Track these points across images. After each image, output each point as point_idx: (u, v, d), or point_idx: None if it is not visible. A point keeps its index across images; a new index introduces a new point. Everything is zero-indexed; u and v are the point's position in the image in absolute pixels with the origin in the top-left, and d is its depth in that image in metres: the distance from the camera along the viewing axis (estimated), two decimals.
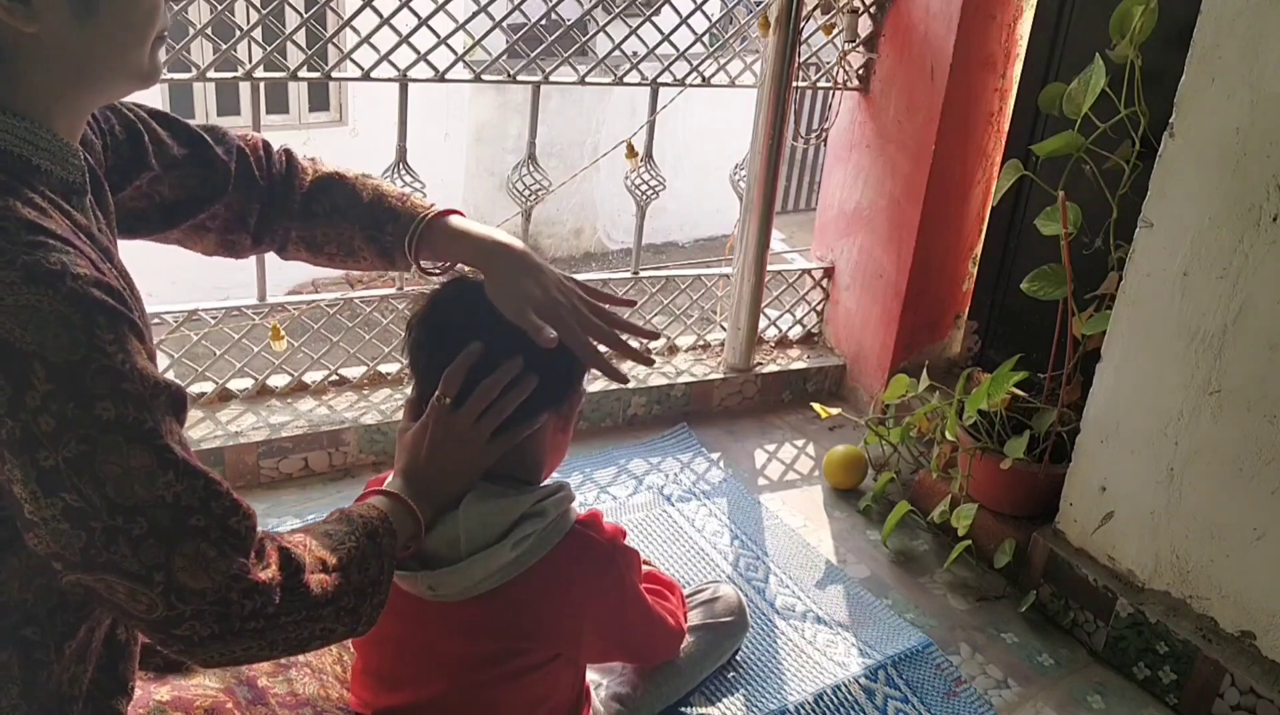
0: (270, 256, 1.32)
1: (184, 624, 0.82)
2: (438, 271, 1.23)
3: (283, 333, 2.08)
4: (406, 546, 1.08)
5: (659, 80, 2.28)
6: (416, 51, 2.00)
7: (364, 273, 6.92)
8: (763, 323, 2.60)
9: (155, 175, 1.07)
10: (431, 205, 1.22)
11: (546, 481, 1.22)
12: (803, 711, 1.55)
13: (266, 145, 1.21)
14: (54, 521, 0.77)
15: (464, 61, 2.06)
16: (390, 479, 1.14)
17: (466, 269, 1.21)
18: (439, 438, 1.12)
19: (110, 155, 1.01)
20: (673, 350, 2.58)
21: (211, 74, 1.89)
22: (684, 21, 2.25)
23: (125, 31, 0.86)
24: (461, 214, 1.23)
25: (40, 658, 0.86)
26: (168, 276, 6.47)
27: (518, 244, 1.17)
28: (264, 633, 0.86)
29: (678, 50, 2.25)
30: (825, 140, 2.62)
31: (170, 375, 2.03)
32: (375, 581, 0.98)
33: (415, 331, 1.17)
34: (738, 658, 1.63)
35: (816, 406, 2.31)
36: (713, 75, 2.30)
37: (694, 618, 1.57)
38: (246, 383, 2.13)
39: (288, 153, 1.22)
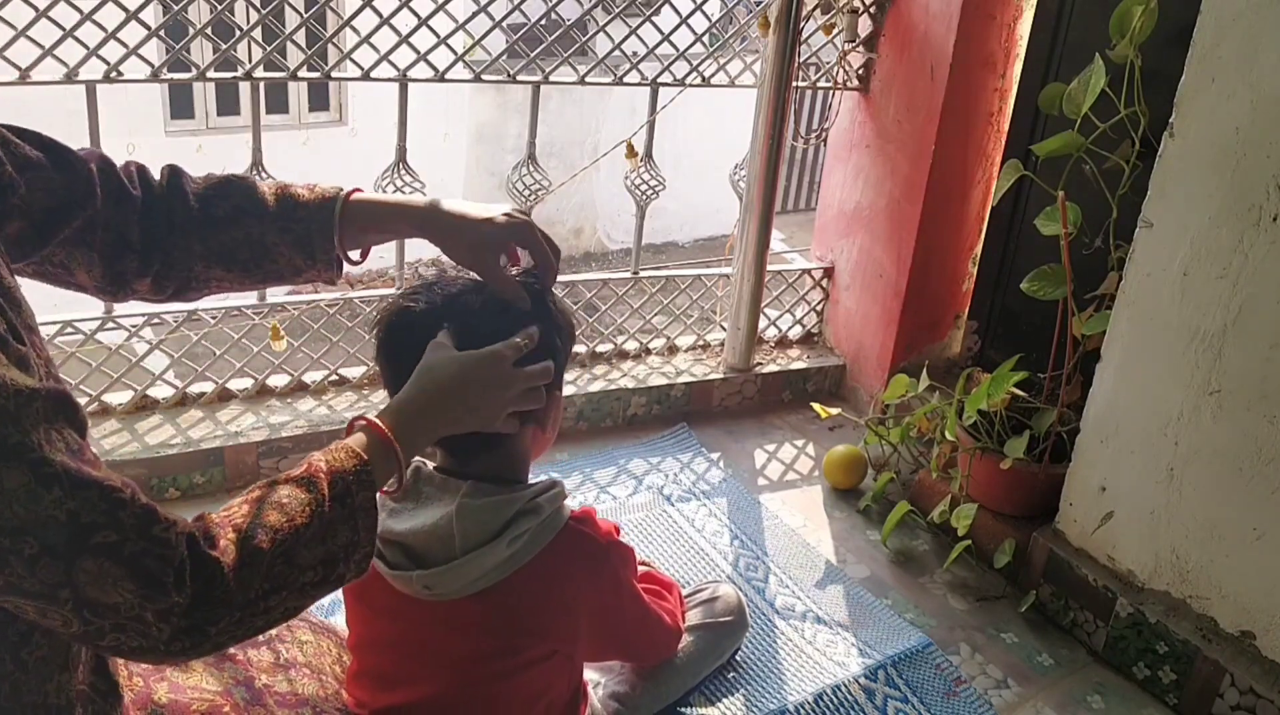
0: None
1: (107, 636, 0.78)
2: (359, 261, 1.17)
3: (282, 333, 2.08)
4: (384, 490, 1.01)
5: (659, 80, 2.28)
6: (416, 51, 2.00)
7: (348, 276, 6.88)
8: (763, 323, 2.60)
9: (15, 187, 0.95)
10: (340, 188, 1.16)
11: (538, 479, 1.22)
12: (802, 711, 1.55)
13: (140, 166, 1.10)
14: None
15: (464, 61, 2.06)
16: (394, 401, 1.04)
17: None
18: (484, 373, 1.06)
19: None
20: (673, 350, 2.58)
21: (211, 74, 1.89)
22: (684, 21, 2.25)
23: None
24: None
25: None
26: None
27: (451, 201, 1.16)
28: (201, 644, 0.82)
29: (677, 50, 2.25)
30: (825, 140, 2.62)
31: (170, 376, 2.05)
32: (350, 544, 0.92)
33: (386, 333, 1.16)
34: (737, 658, 1.63)
35: (816, 406, 2.31)
36: (713, 75, 2.30)
37: (693, 617, 1.57)
38: (246, 383, 2.13)
39: (172, 167, 1.12)
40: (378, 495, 0.97)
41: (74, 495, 0.75)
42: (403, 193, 2.09)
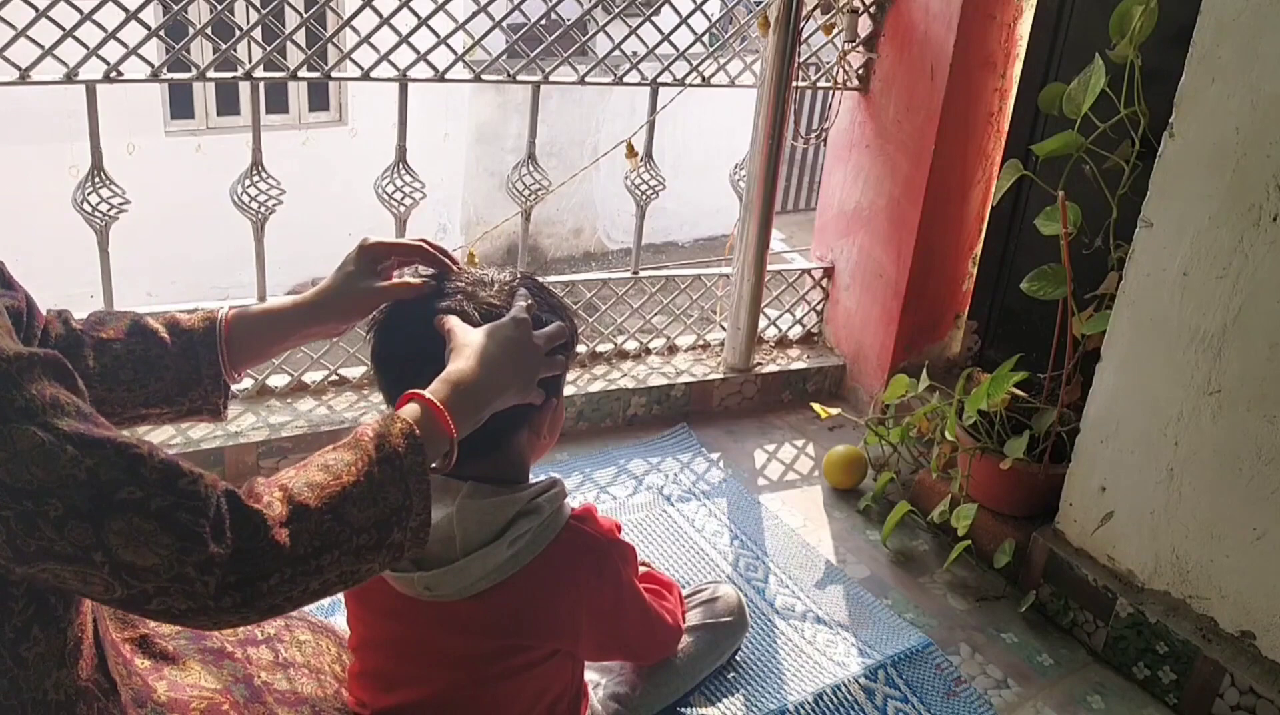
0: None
1: (153, 600, 0.77)
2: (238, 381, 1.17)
3: None
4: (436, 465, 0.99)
5: (659, 80, 2.28)
6: (416, 51, 2.00)
7: None
8: (762, 323, 2.60)
9: None
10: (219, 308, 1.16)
11: (538, 479, 1.22)
12: (802, 711, 1.55)
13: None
14: None
15: (464, 61, 2.06)
16: (440, 378, 1.02)
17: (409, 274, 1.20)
18: (517, 335, 1.07)
19: None
20: (673, 350, 2.58)
21: (211, 74, 1.89)
22: (684, 21, 2.25)
23: None
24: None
25: None
26: (168, 276, 6.48)
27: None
28: (253, 600, 0.81)
29: (677, 50, 2.25)
30: (825, 140, 2.62)
31: None
32: (400, 508, 0.90)
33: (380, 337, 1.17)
34: (737, 658, 1.63)
35: (816, 406, 2.31)
36: (712, 75, 2.30)
37: (693, 617, 1.57)
38: (246, 382, 2.13)
39: (59, 309, 1.10)
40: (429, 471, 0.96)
41: (90, 453, 0.75)
42: (402, 192, 2.09)
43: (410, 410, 0.97)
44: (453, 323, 1.08)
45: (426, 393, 0.99)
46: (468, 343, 1.06)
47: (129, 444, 0.78)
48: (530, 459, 1.23)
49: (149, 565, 0.76)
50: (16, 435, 0.73)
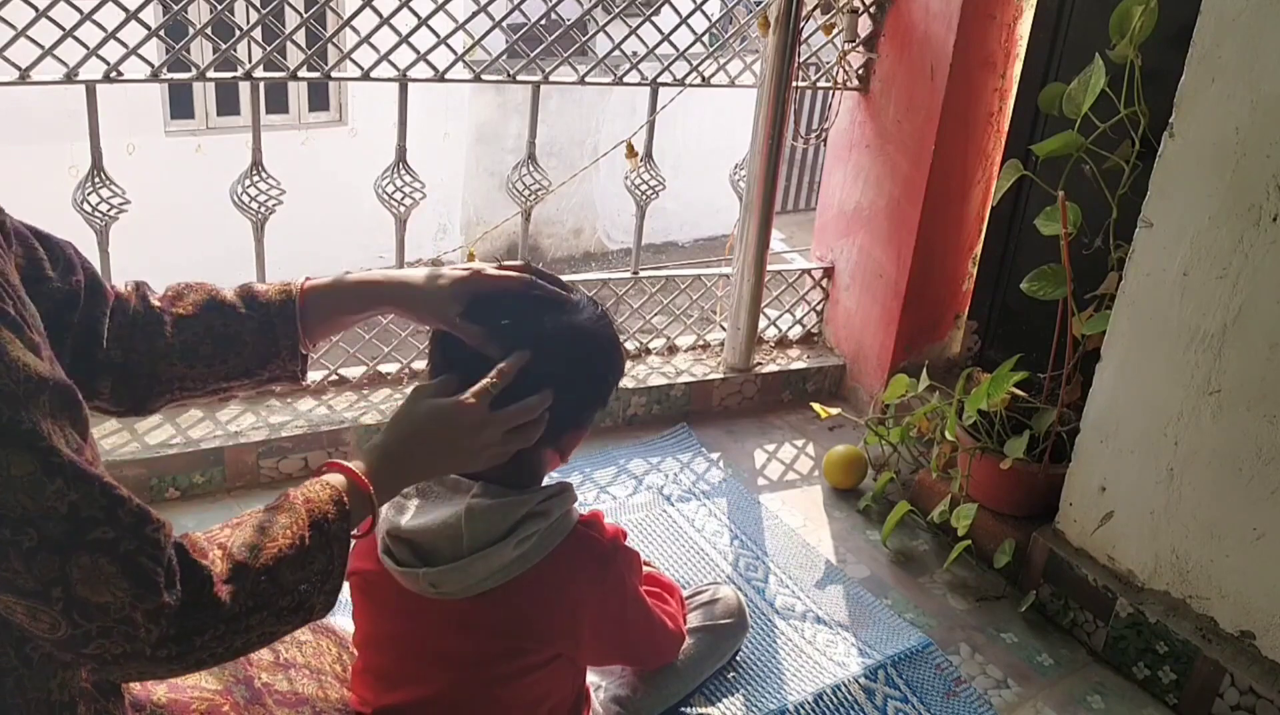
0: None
1: (91, 643, 0.77)
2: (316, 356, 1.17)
3: None
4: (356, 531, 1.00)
5: (659, 80, 2.28)
6: (416, 51, 2.00)
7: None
8: (762, 323, 2.60)
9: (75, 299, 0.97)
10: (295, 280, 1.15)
11: (547, 482, 1.23)
12: (802, 711, 1.55)
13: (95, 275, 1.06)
14: None
15: (464, 61, 2.06)
16: (368, 449, 1.05)
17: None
18: (452, 422, 1.06)
19: None
20: (672, 350, 2.58)
21: (211, 74, 1.89)
22: (684, 21, 2.25)
23: None
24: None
25: (2, 666, 0.84)
26: (167, 276, 6.48)
27: (400, 271, 1.16)
28: (180, 658, 0.82)
29: (677, 50, 2.25)
30: (825, 140, 2.62)
31: None
32: (323, 572, 0.92)
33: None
34: (738, 658, 1.63)
35: (816, 406, 2.31)
36: (712, 75, 2.30)
37: (693, 619, 1.57)
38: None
39: (136, 281, 1.11)
40: (352, 533, 0.97)
41: (76, 487, 0.75)
42: (402, 192, 2.10)
43: (338, 480, 0.98)
44: (420, 387, 1.09)
45: (350, 465, 1.00)
46: (403, 417, 1.06)
47: (113, 485, 0.78)
48: (545, 470, 1.23)
49: (101, 603, 0.76)
50: (13, 460, 0.73)
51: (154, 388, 1.08)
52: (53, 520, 0.74)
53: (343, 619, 1.44)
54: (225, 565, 0.85)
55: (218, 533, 0.90)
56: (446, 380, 1.10)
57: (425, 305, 1.14)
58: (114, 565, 0.77)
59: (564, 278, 1.27)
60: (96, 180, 1.85)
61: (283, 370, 1.13)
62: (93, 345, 1.02)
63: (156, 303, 1.09)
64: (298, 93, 7.09)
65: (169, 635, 0.80)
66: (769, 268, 2.46)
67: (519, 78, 2.18)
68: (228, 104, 6.85)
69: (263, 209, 2.00)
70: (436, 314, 1.14)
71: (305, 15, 1.94)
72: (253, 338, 1.10)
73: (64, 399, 0.78)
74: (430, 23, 1.96)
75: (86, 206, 1.85)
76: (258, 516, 0.92)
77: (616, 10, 2.32)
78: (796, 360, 2.63)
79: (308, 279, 1.15)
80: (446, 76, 2.07)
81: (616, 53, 2.22)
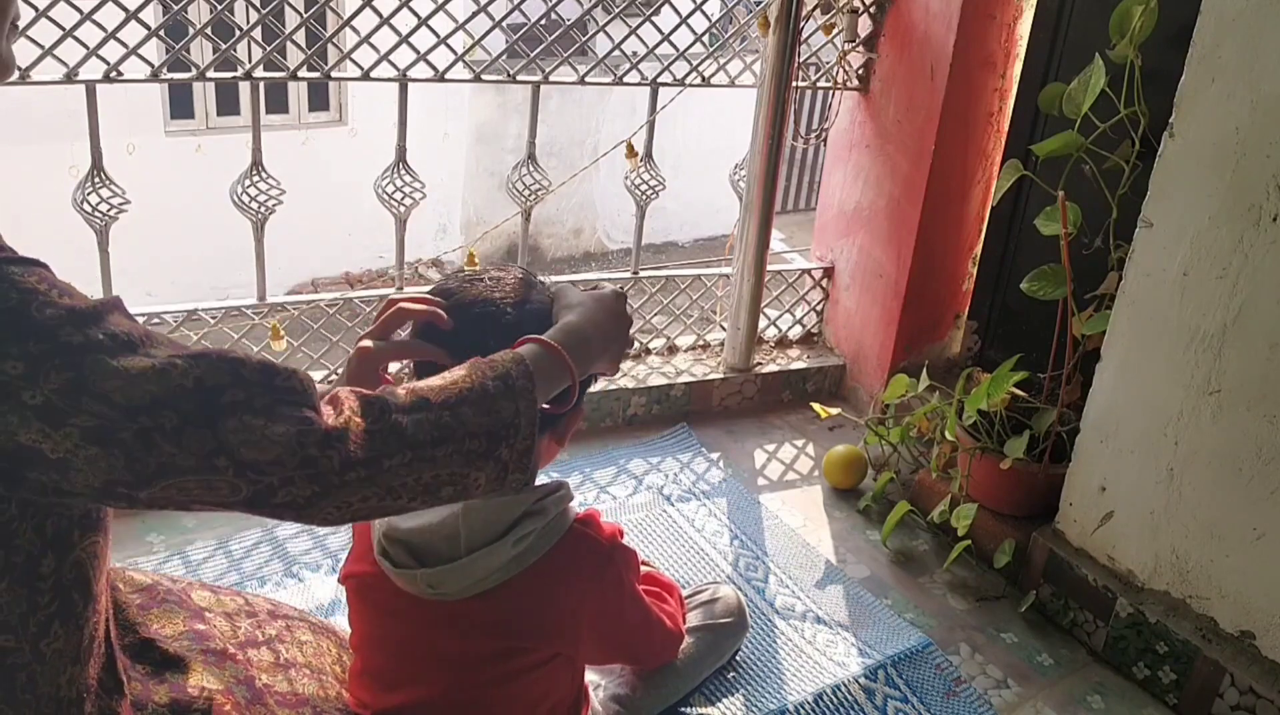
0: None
1: (278, 492, 0.80)
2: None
3: (282, 332, 2.08)
4: (555, 401, 1.01)
5: (659, 80, 2.28)
6: (416, 51, 2.00)
7: (348, 276, 6.82)
8: (762, 323, 2.60)
9: None
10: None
11: (543, 481, 1.22)
12: (802, 711, 1.55)
13: None
14: (81, 450, 0.74)
15: (464, 61, 2.06)
16: (558, 327, 1.05)
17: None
18: (615, 310, 1.10)
19: None
20: (673, 350, 2.58)
21: (211, 74, 1.89)
22: (684, 21, 2.25)
23: None
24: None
25: (15, 661, 0.85)
26: (167, 276, 6.48)
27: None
28: (372, 480, 0.83)
29: (677, 50, 2.25)
30: (825, 140, 2.62)
31: None
32: (509, 424, 0.91)
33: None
34: (737, 658, 1.63)
35: (816, 406, 2.31)
36: (712, 75, 2.30)
37: (693, 619, 1.57)
38: None
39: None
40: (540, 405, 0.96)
41: (197, 363, 0.78)
42: (402, 192, 2.09)
43: (524, 348, 1.00)
44: (563, 284, 1.10)
45: (549, 338, 1.01)
46: (580, 302, 1.08)
47: (226, 350, 0.81)
48: (541, 463, 1.23)
49: (272, 458, 0.79)
50: (130, 361, 0.76)
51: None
52: (182, 397, 0.77)
53: (342, 619, 1.44)
54: (407, 398, 0.88)
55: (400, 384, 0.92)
56: None
57: (382, 355, 1.12)
58: (259, 418, 0.79)
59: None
60: (96, 180, 1.85)
61: None
62: None
63: None
64: (298, 93, 7.09)
65: (354, 458, 0.82)
66: (769, 268, 2.46)
67: (519, 78, 2.18)
68: (228, 104, 6.85)
69: (263, 209, 2.00)
70: (397, 349, 1.13)
71: (305, 15, 1.94)
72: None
73: (122, 307, 0.80)
74: (430, 23, 1.96)
75: (86, 206, 1.85)
76: (438, 375, 0.94)
77: (616, 10, 2.32)
78: (796, 360, 2.63)
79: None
80: (446, 76, 2.07)
81: (616, 53, 2.22)
